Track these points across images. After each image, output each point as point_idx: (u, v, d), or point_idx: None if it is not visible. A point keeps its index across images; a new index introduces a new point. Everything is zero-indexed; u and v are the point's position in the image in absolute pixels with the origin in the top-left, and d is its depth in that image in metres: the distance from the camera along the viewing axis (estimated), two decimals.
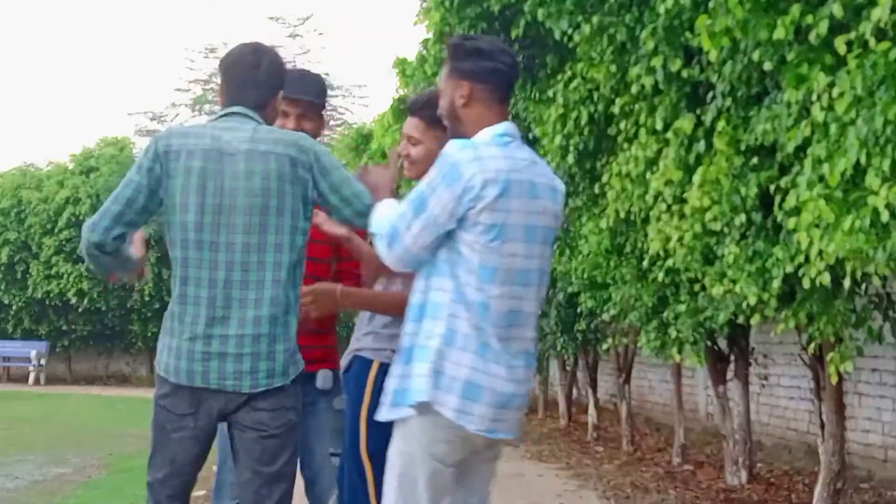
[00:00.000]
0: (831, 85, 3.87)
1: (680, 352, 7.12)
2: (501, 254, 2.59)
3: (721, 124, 5.09)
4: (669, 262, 6.05)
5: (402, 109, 12.06)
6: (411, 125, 3.14)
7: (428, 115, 3.05)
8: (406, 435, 2.62)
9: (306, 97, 3.36)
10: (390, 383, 2.64)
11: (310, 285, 2.98)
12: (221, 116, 2.89)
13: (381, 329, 3.08)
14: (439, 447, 2.60)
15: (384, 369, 2.90)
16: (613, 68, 6.00)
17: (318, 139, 3.36)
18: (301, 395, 2.92)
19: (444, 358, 2.56)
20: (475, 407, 2.56)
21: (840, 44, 3.78)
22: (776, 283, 4.88)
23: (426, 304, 2.61)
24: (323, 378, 3.26)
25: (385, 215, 2.70)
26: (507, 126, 2.70)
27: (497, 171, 2.57)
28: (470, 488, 2.75)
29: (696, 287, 6.20)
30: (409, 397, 2.57)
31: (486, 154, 2.59)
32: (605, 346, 9.85)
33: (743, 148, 5.03)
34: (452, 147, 2.59)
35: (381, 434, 2.82)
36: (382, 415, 2.66)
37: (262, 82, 2.91)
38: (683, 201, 5.61)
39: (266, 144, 2.78)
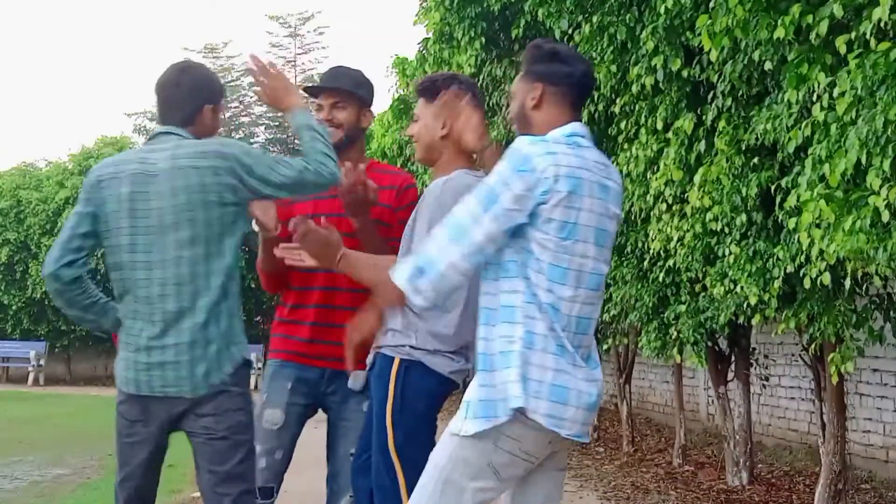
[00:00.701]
0: (832, 85, 3.87)
1: (680, 352, 7.11)
2: (573, 253, 2.50)
3: (722, 124, 5.09)
4: (670, 262, 6.05)
5: (402, 109, 12.06)
6: (417, 106, 3.22)
7: (426, 92, 3.17)
8: (469, 443, 2.49)
9: (335, 85, 3.43)
10: (472, 393, 2.49)
11: (317, 226, 2.87)
12: (151, 138, 3.09)
13: (400, 327, 3.01)
14: (503, 457, 2.51)
15: (405, 365, 2.92)
16: (614, 68, 6.00)
17: (360, 127, 3.43)
18: (335, 391, 3.17)
19: (529, 362, 2.45)
20: (566, 411, 2.48)
21: (840, 44, 3.78)
22: (777, 284, 4.87)
23: (498, 308, 2.50)
24: (353, 378, 3.22)
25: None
26: (576, 126, 2.63)
27: (570, 167, 2.49)
28: (537, 495, 2.67)
29: (697, 287, 6.19)
30: (502, 406, 2.45)
31: (558, 150, 2.52)
32: (605, 347, 9.84)
33: (743, 148, 5.03)
34: (522, 141, 2.51)
35: (408, 432, 2.85)
36: (468, 428, 2.48)
37: (183, 99, 3.08)
38: (684, 201, 5.60)
39: (187, 159, 2.92)
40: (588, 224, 2.51)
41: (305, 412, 3.43)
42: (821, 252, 4.11)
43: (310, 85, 3.60)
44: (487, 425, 2.46)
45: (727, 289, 5.34)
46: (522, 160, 2.47)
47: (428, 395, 2.95)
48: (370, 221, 3.20)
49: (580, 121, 2.68)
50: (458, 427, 2.51)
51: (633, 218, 6.45)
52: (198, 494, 6.92)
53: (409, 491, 2.76)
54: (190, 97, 3.08)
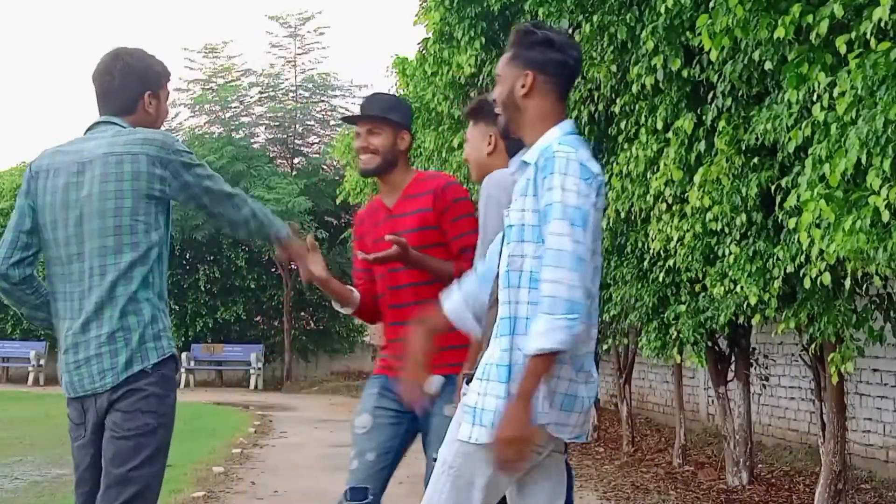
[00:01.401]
0: (832, 85, 3.87)
1: (680, 352, 7.10)
2: (596, 252, 2.48)
3: (722, 124, 5.09)
4: (670, 262, 6.05)
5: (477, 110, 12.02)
6: (468, 129, 3.39)
7: (468, 114, 3.35)
8: (482, 449, 2.47)
9: (367, 113, 3.54)
10: (489, 402, 2.45)
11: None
12: (89, 128, 3.00)
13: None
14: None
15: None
16: (614, 68, 6.00)
17: (397, 150, 3.46)
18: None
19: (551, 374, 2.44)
20: (571, 417, 2.48)
21: (841, 43, 3.78)
22: (777, 284, 4.87)
23: (517, 318, 2.46)
24: (430, 383, 3.21)
25: (558, 274, 2.36)
26: (572, 124, 2.60)
27: (599, 171, 2.49)
28: (542, 481, 2.66)
29: (697, 287, 6.19)
30: (535, 419, 2.42)
31: (587, 152, 2.50)
32: (605, 347, 9.84)
33: (743, 148, 5.03)
34: (566, 147, 2.44)
35: None
36: (482, 437, 2.45)
37: (119, 87, 2.98)
38: (684, 201, 5.60)
39: (123, 146, 2.84)
40: (597, 222, 2.51)
41: (399, 418, 3.41)
42: (821, 252, 4.11)
43: (346, 115, 3.71)
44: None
45: (727, 289, 5.34)
46: (582, 168, 2.42)
47: None
48: (416, 256, 3.28)
49: (565, 105, 2.67)
50: (468, 433, 2.49)
51: (633, 218, 6.45)
52: (198, 494, 6.90)
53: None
54: (125, 86, 2.98)
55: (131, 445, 2.80)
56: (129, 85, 2.98)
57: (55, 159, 2.91)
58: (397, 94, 3.53)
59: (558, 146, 2.45)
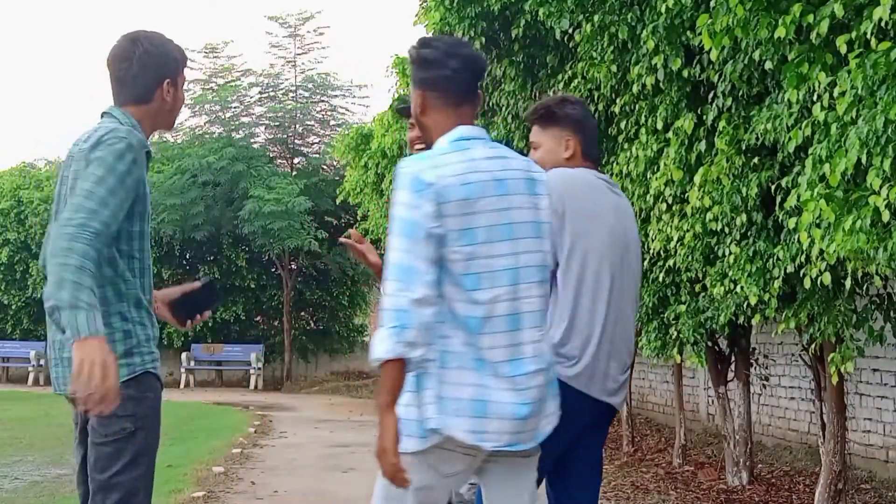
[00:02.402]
0: (832, 84, 3.86)
1: (680, 352, 7.10)
2: (481, 256, 2.52)
3: (722, 124, 5.09)
4: (670, 262, 6.05)
5: (402, 109, 12.05)
6: (532, 133, 3.37)
7: (538, 118, 3.32)
8: (408, 458, 2.52)
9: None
10: (401, 412, 2.50)
11: None
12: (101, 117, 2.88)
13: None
14: (443, 465, 2.56)
15: None
16: (614, 68, 5.99)
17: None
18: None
19: (445, 381, 2.50)
20: (489, 424, 2.50)
21: (841, 43, 3.78)
22: (777, 284, 4.87)
23: None
24: None
25: (387, 288, 2.47)
26: (463, 130, 2.64)
27: (455, 175, 2.52)
28: (504, 496, 2.67)
29: (697, 287, 6.19)
30: (420, 427, 2.51)
31: (442, 162, 2.55)
32: None
33: (744, 147, 5.03)
34: (406, 162, 2.57)
35: None
36: (404, 446, 2.50)
37: (136, 75, 2.82)
38: (684, 201, 5.60)
39: (83, 143, 2.70)
40: (490, 224, 2.53)
41: None
42: (821, 252, 4.11)
43: (399, 107, 3.77)
44: (420, 445, 2.51)
45: (727, 289, 5.34)
46: (414, 181, 2.51)
47: (560, 405, 2.88)
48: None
49: (473, 109, 2.69)
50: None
51: None
52: (198, 494, 6.89)
53: None
54: (142, 74, 2.81)
55: (110, 451, 2.70)
56: (147, 73, 2.82)
57: (69, 149, 2.84)
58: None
59: (402, 162, 2.57)
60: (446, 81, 2.65)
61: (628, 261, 3.22)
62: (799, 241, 4.31)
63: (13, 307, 22.35)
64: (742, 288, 5.09)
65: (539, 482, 3.10)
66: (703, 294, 6.12)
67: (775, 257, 4.86)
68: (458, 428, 2.49)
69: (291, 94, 23.01)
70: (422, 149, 3.16)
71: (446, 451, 2.53)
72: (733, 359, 7.45)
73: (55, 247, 2.49)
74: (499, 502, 2.68)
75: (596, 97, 6.46)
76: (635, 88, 5.74)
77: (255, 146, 22.93)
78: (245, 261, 22.34)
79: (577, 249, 3.11)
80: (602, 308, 3.12)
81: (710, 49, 4.60)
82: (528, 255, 2.59)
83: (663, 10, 5.03)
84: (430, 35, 2.74)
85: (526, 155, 3.09)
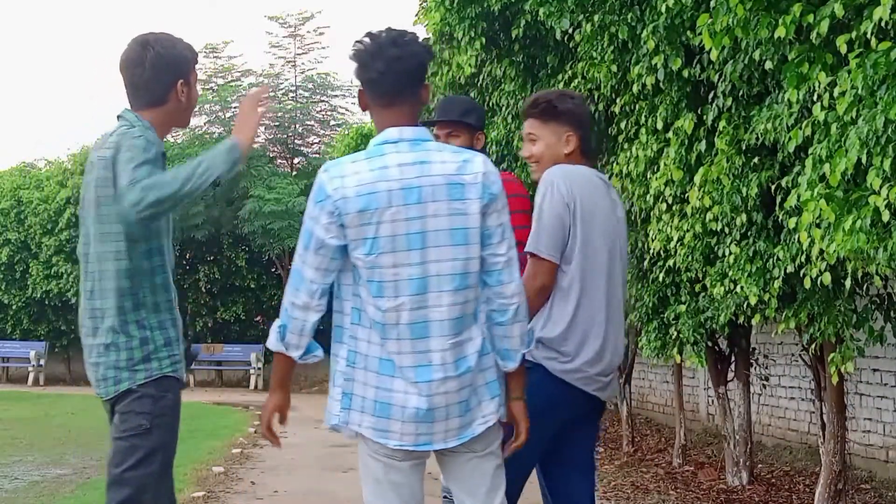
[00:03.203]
0: (832, 84, 3.86)
1: (680, 352, 7.10)
2: (383, 266, 2.54)
3: (722, 124, 5.08)
4: (670, 262, 6.04)
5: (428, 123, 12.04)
6: (528, 125, 3.32)
7: (539, 112, 3.27)
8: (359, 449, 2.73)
9: (446, 118, 3.82)
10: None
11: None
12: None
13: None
14: (372, 463, 2.66)
15: (527, 367, 2.96)
16: (614, 68, 5.99)
17: (474, 150, 3.41)
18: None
19: (352, 379, 2.61)
20: (392, 424, 2.59)
21: (841, 43, 3.78)
22: (777, 284, 4.87)
23: (335, 328, 2.68)
24: None
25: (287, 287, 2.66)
26: (389, 133, 2.64)
27: (359, 185, 2.54)
28: (462, 488, 2.75)
29: (697, 287, 6.19)
30: (328, 420, 2.68)
31: (349, 171, 2.58)
32: None
33: (744, 147, 5.02)
34: (324, 167, 2.63)
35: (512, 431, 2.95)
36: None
37: (150, 79, 2.85)
38: (684, 201, 5.60)
39: (99, 150, 2.77)
40: (395, 234, 2.54)
41: None
42: (821, 252, 4.11)
43: (425, 120, 3.82)
44: (336, 424, 2.68)
45: (727, 289, 5.34)
46: (318, 190, 2.59)
47: (549, 400, 3.05)
48: None
49: (411, 107, 2.67)
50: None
51: (633, 218, 6.44)
52: (198, 494, 6.89)
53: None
54: (156, 77, 2.84)
55: (126, 446, 2.79)
56: (161, 76, 2.85)
57: (89, 156, 2.92)
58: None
59: (321, 169, 2.65)
60: (371, 84, 2.66)
61: (618, 265, 3.26)
62: (799, 241, 4.30)
63: (13, 307, 22.34)
64: (742, 288, 5.09)
65: (526, 475, 3.20)
66: (703, 294, 6.12)
67: (775, 257, 4.86)
68: (363, 425, 2.60)
69: (291, 94, 23.01)
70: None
71: (370, 448, 2.66)
72: (733, 359, 7.45)
73: (155, 193, 2.60)
74: (458, 496, 2.76)
75: (596, 97, 6.46)
76: (635, 88, 5.74)
77: (255, 146, 22.93)
78: (245, 261, 22.34)
79: (581, 250, 3.12)
80: (600, 308, 3.15)
81: (710, 49, 4.60)
82: (441, 263, 2.58)
83: (663, 9, 5.03)
84: (383, 31, 2.69)
85: (518, 148, 3.14)
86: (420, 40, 2.71)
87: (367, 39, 2.67)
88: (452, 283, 2.58)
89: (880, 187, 3.54)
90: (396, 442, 2.60)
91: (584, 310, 3.12)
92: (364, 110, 2.74)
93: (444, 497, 3.87)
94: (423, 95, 2.71)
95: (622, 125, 6.25)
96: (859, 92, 3.60)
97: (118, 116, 2.88)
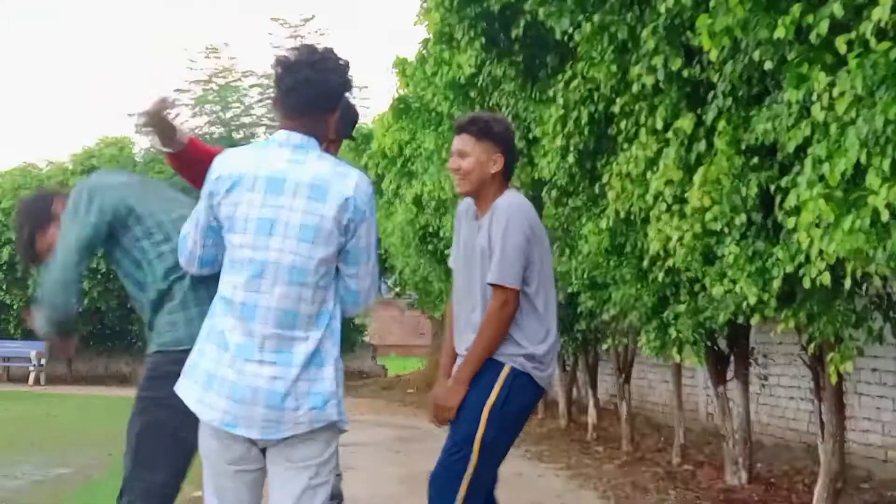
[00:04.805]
0: (832, 84, 3.87)
1: (680, 352, 7.11)
2: (232, 245, 2.71)
3: (721, 124, 5.09)
4: (669, 262, 6.04)
5: (403, 109, 12.06)
6: (460, 140, 3.52)
7: (476, 130, 3.48)
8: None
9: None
10: None
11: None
12: None
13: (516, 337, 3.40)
14: (205, 441, 2.76)
15: (515, 373, 3.32)
16: (614, 68, 5.99)
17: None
18: None
19: (201, 353, 2.72)
20: (212, 397, 2.65)
21: (841, 43, 3.78)
22: (776, 283, 4.87)
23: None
24: None
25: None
26: (278, 134, 2.79)
27: (234, 168, 2.72)
28: (276, 485, 2.79)
29: (697, 287, 6.19)
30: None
31: (234, 155, 2.78)
32: (605, 346, 9.84)
33: (743, 148, 5.02)
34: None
35: (498, 433, 3.24)
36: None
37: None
38: (684, 201, 5.60)
39: None
40: (247, 216, 2.68)
41: None
42: (820, 252, 4.12)
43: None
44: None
45: (727, 289, 5.34)
46: (209, 171, 2.80)
47: (526, 404, 3.40)
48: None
49: (312, 125, 2.77)
50: None
51: (632, 218, 6.45)
52: (198, 494, 6.93)
53: (472, 483, 3.20)
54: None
55: (127, 436, 3.18)
56: None
57: None
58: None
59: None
60: (280, 98, 2.79)
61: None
62: (798, 241, 4.31)
63: (15, 307, 22.35)
64: (741, 288, 5.09)
65: (496, 473, 3.41)
66: (702, 294, 6.12)
67: (774, 257, 4.87)
68: (189, 393, 2.69)
69: None
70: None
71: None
72: (732, 358, 7.46)
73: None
74: (273, 494, 2.80)
75: (596, 97, 6.46)
76: (635, 88, 5.74)
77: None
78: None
79: (545, 273, 3.46)
80: (556, 323, 3.52)
81: (710, 49, 4.60)
82: (283, 253, 2.66)
83: (663, 10, 5.04)
84: (307, 50, 2.79)
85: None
86: (341, 66, 2.78)
87: (288, 54, 2.78)
88: (290, 275, 2.67)
89: (880, 187, 3.55)
90: (209, 417, 2.70)
91: (553, 327, 3.47)
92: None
93: None
94: (328, 122, 2.81)
95: (622, 125, 6.26)
96: (859, 92, 3.61)
97: None
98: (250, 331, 2.64)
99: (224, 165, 2.75)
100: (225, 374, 2.63)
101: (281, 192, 2.66)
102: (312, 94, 2.74)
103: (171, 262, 3.02)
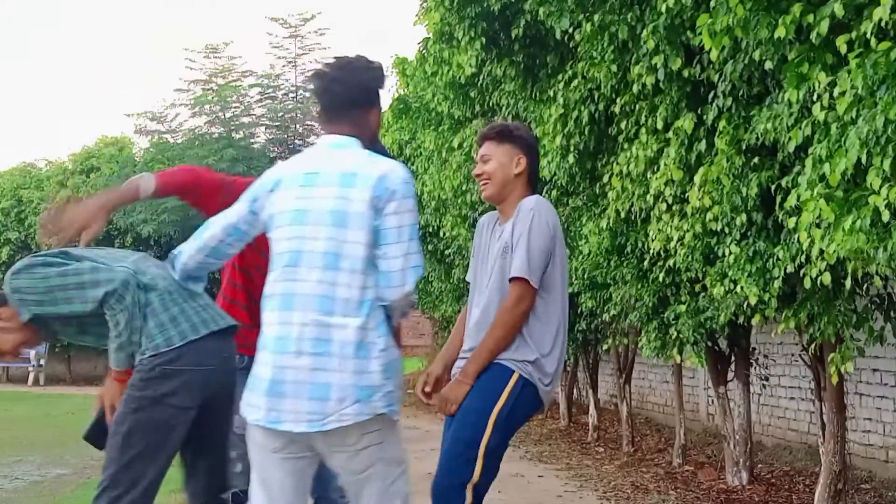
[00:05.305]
0: (832, 84, 3.86)
1: (680, 352, 7.10)
2: (274, 242, 2.80)
3: (722, 124, 5.08)
4: (670, 262, 6.04)
5: (402, 109, 12.06)
6: (483, 147, 3.57)
7: (495, 134, 3.55)
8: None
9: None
10: None
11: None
12: None
13: (522, 344, 3.36)
14: (250, 432, 2.77)
15: (523, 382, 3.28)
16: (614, 67, 5.99)
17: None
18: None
19: (256, 361, 2.77)
20: (254, 397, 2.70)
21: (841, 43, 3.78)
22: (777, 283, 4.87)
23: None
24: None
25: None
26: (322, 138, 2.94)
27: (278, 171, 2.88)
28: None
29: (697, 287, 6.19)
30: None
31: (282, 163, 2.94)
32: (605, 347, 9.83)
33: (744, 147, 5.02)
34: None
35: (501, 440, 3.24)
36: None
37: None
38: (684, 201, 5.60)
39: None
40: (284, 210, 2.78)
41: None
42: (821, 252, 4.11)
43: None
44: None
45: (727, 289, 5.34)
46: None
47: (526, 415, 3.40)
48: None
49: (349, 127, 2.88)
50: None
51: (633, 218, 6.44)
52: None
53: (475, 490, 3.18)
54: None
55: (111, 432, 3.15)
56: None
57: None
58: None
59: None
60: (317, 101, 2.95)
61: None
62: (799, 241, 4.30)
63: None
64: (742, 288, 5.09)
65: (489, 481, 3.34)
66: (703, 294, 6.12)
67: (775, 257, 4.86)
68: (243, 401, 2.75)
69: (292, 95, 23.00)
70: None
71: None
72: (733, 359, 7.45)
73: None
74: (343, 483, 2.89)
75: (596, 97, 6.46)
76: (635, 88, 5.74)
77: (255, 147, 22.90)
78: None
79: (561, 276, 3.42)
80: (564, 331, 3.46)
81: (710, 49, 4.60)
82: (316, 241, 2.71)
83: (663, 9, 5.03)
84: (340, 56, 2.94)
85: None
86: (372, 65, 2.91)
87: (323, 67, 2.94)
88: (320, 260, 2.69)
89: (880, 187, 3.54)
90: (252, 417, 2.73)
91: (562, 334, 3.42)
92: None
93: None
94: (368, 119, 2.94)
95: (622, 125, 6.25)
96: (859, 92, 3.60)
97: None
98: (288, 319, 2.66)
99: (271, 171, 2.91)
100: (262, 372, 2.68)
101: (314, 185, 2.75)
102: (342, 90, 2.86)
103: (147, 280, 3.18)
